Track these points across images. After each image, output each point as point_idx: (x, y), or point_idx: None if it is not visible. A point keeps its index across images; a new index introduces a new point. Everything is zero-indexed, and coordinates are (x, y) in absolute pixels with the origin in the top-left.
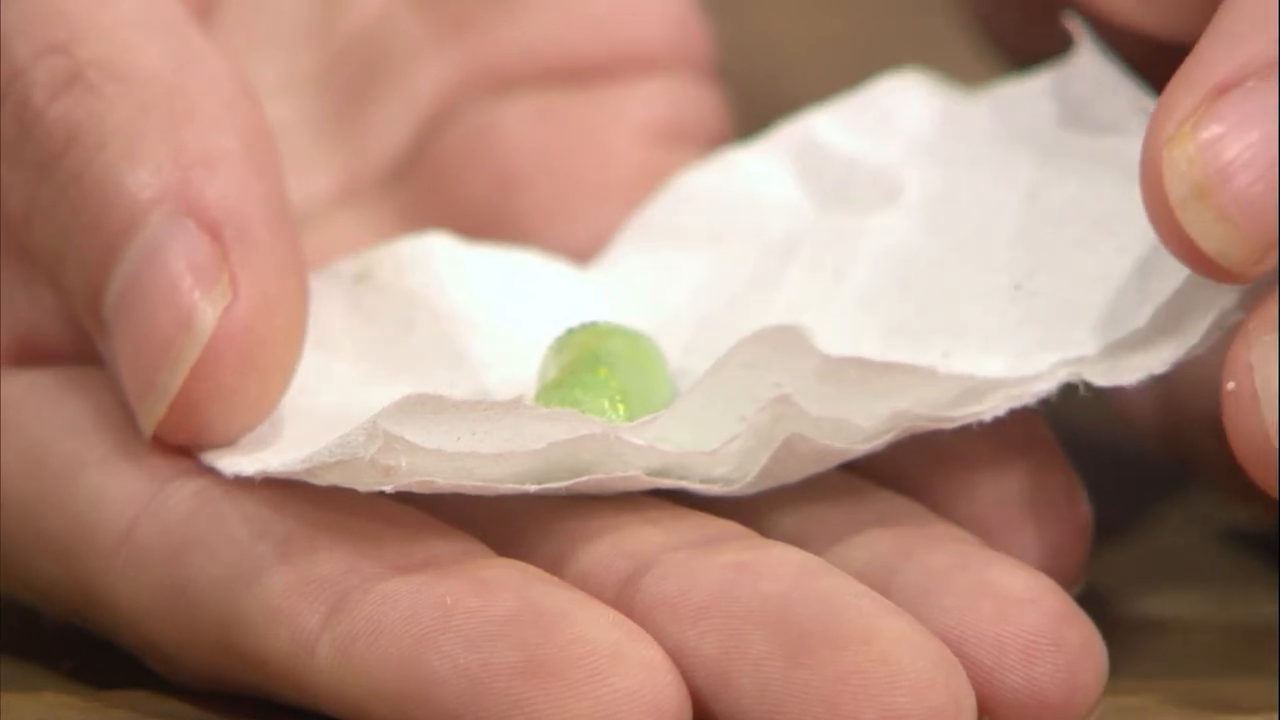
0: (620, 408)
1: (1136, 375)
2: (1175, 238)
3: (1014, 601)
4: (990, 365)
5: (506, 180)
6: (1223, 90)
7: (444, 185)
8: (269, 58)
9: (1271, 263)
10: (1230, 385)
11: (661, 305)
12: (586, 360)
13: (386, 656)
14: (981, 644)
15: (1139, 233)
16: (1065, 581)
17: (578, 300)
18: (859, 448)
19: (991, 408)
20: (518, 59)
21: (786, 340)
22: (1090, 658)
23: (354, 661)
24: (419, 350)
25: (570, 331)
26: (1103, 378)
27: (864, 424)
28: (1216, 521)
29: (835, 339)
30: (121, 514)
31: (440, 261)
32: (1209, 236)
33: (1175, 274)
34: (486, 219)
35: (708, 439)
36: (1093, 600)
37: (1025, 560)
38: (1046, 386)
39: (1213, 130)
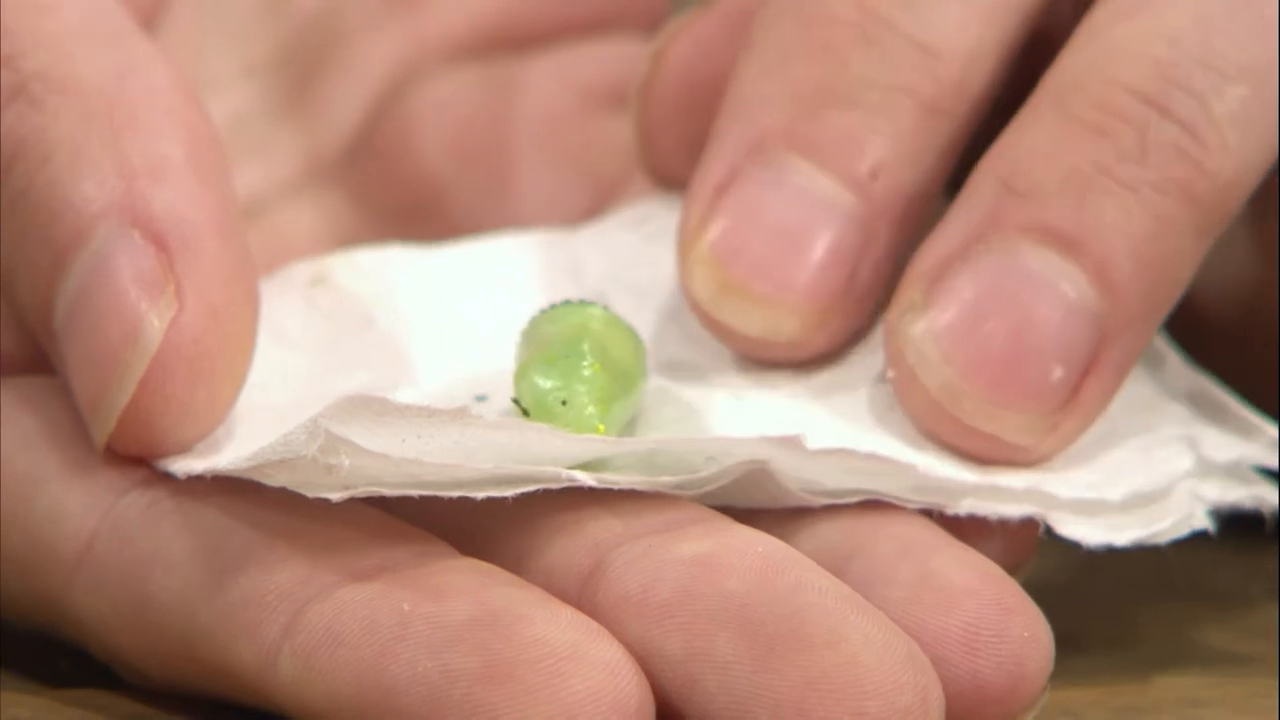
0: (600, 408)
1: (1097, 540)
2: (725, 334)
3: (956, 592)
4: (965, 472)
5: (457, 153)
6: (720, 190)
7: (397, 162)
8: (223, 45)
9: (836, 322)
10: (891, 375)
11: (628, 277)
12: (575, 347)
13: (346, 666)
14: (925, 636)
15: (1129, 416)
16: (1017, 558)
17: (547, 286)
18: (819, 500)
19: (954, 507)
20: (466, 27)
21: (783, 445)
22: (1034, 648)
23: (314, 672)
24: (378, 345)
25: (566, 305)
26: (1065, 528)
27: (830, 485)
28: (1217, 521)
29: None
30: (79, 530)
31: (397, 268)
32: (750, 323)
33: (1158, 467)
34: (438, 193)
35: (665, 471)
36: (1095, 601)
37: (977, 528)
38: (1011, 512)
39: (719, 226)
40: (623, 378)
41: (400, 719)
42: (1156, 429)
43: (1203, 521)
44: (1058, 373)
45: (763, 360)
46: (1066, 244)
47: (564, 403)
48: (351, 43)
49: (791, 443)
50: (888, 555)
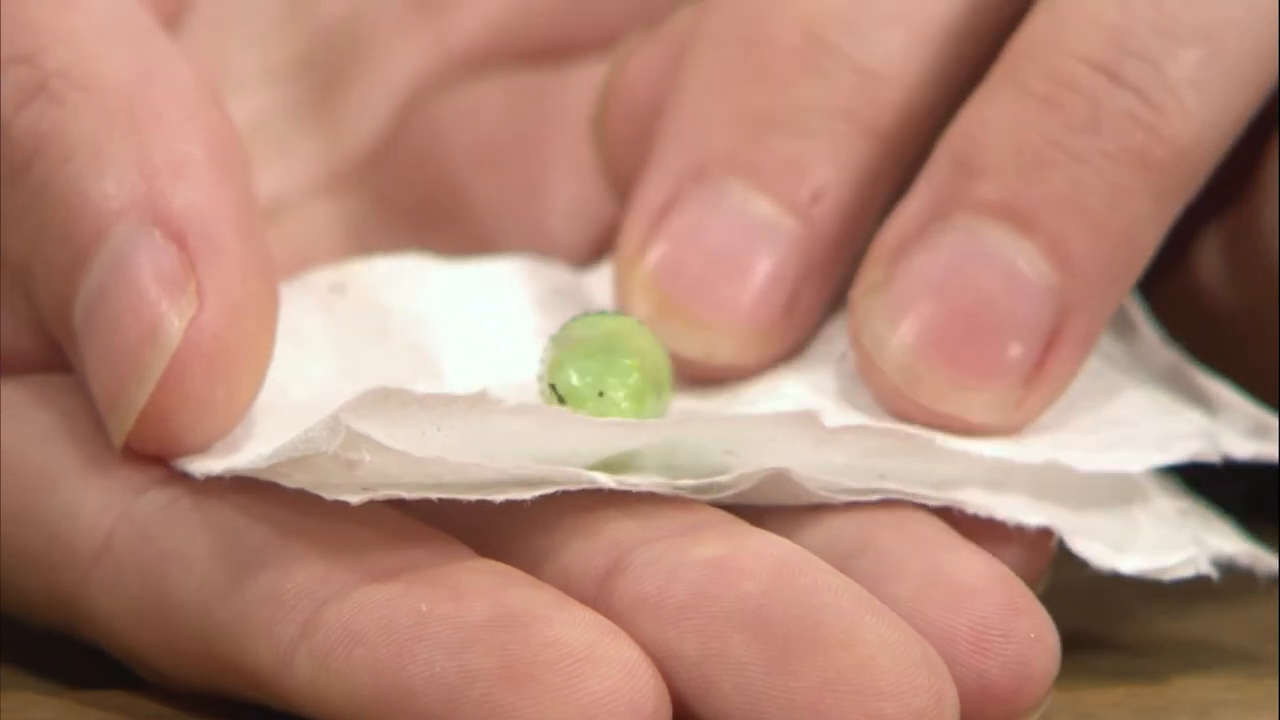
0: (634, 403)
1: (1105, 563)
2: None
3: (965, 591)
4: (983, 447)
5: (480, 161)
6: (661, 213)
7: (419, 169)
8: (245, 48)
9: (774, 346)
10: (851, 354)
11: None
12: (614, 345)
13: (364, 666)
14: (931, 634)
15: (1143, 411)
16: (1028, 576)
17: (562, 312)
18: (840, 497)
19: (974, 506)
20: (491, 38)
21: (799, 421)
22: (1041, 650)
23: (332, 672)
24: (394, 354)
25: (602, 313)
26: (1077, 544)
27: (850, 484)
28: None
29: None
30: (96, 528)
31: (415, 277)
32: (689, 344)
33: (1176, 448)
34: (461, 201)
35: (685, 477)
36: (1112, 603)
37: (991, 546)
38: (1027, 520)
39: (659, 250)
40: (655, 383)
41: (418, 719)
42: (1175, 420)
43: (1206, 567)
44: (1015, 350)
45: (700, 380)
46: (1019, 220)
47: (601, 394)
48: (375, 48)
49: (808, 418)
50: (897, 552)
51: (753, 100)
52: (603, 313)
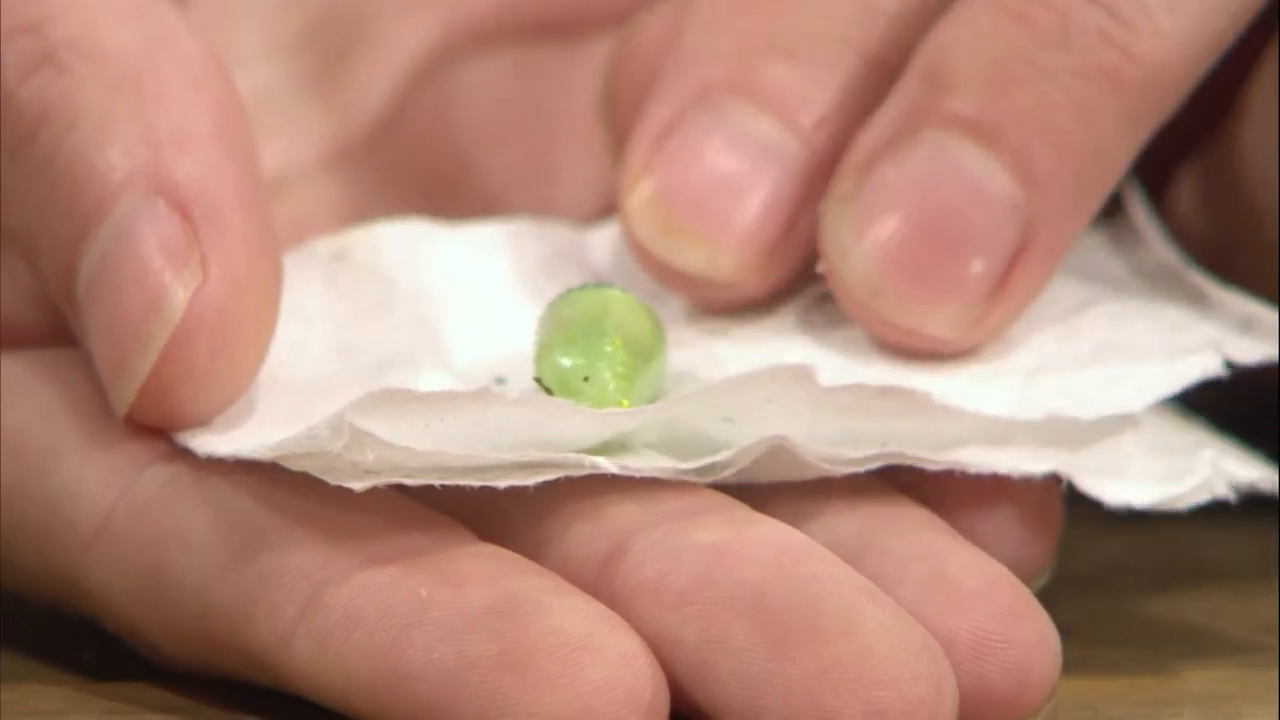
0: (622, 383)
1: (1117, 498)
2: (667, 276)
3: (967, 595)
4: (983, 403)
5: (487, 138)
6: (665, 133)
7: (425, 144)
8: (250, 22)
9: (775, 266)
10: (822, 267)
11: (640, 276)
12: (596, 325)
13: (362, 650)
14: (934, 638)
15: (1148, 333)
16: (1032, 568)
17: (563, 275)
18: (841, 469)
19: (976, 465)
20: (498, 14)
21: (794, 377)
22: (1042, 655)
23: (330, 655)
24: (395, 327)
25: (584, 288)
26: (1089, 486)
27: (851, 454)
28: (1222, 521)
29: (836, 347)
30: (97, 504)
31: (418, 244)
32: (692, 261)
33: (1181, 375)
34: (468, 177)
35: (686, 453)
36: (1115, 595)
37: (994, 537)
38: (1030, 469)
39: (661, 169)
40: (643, 354)
41: (416, 705)
42: (1182, 336)
43: (1223, 489)
44: (978, 265)
45: (706, 305)
46: (985, 135)
47: (586, 379)
48: (381, 22)
49: (803, 375)
50: (900, 554)
51: (755, 27)
52: (584, 286)
